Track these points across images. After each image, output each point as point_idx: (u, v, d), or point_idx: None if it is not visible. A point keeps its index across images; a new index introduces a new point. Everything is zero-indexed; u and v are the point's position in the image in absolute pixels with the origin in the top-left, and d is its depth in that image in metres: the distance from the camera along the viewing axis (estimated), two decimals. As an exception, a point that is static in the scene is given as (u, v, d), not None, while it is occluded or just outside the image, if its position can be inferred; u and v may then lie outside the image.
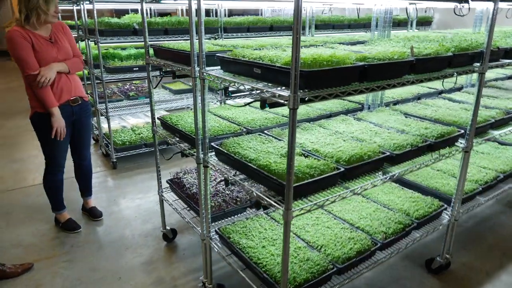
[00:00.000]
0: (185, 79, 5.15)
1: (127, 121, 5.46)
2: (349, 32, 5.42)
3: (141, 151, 4.57)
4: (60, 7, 5.23)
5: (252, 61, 1.64)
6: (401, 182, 2.78)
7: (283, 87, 1.48)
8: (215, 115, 2.65)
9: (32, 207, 3.56)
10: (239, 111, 2.70)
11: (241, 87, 1.61)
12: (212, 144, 2.04)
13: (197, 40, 1.87)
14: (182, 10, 8.00)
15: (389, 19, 2.68)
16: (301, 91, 1.41)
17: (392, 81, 1.68)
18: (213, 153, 2.08)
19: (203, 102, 1.94)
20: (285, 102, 1.37)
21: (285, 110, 2.72)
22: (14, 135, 5.60)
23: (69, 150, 3.06)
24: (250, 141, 2.04)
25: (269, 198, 1.63)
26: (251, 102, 1.77)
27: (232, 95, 1.76)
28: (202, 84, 1.92)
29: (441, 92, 3.52)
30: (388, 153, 1.93)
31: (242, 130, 2.32)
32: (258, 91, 1.51)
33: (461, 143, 2.35)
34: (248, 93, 1.97)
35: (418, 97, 3.37)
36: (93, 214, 3.36)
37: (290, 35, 4.10)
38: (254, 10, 8.81)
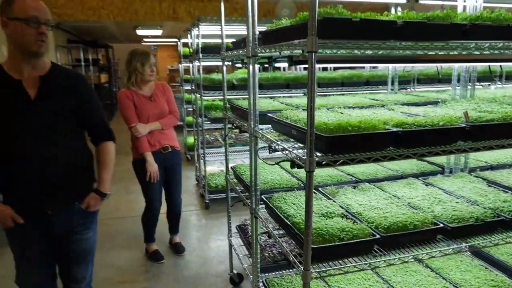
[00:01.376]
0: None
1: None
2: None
3: (231, 195, 4.88)
4: (185, 64, 6.15)
5: (290, 123, 1.74)
6: (484, 258, 2.42)
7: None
8: (281, 167, 2.76)
9: (133, 234, 4.10)
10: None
11: (277, 146, 1.72)
12: (262, 196, 2.15)
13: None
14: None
15: (472, 77, 2.49)
16: (320, 153, 1.46)
17: (435, 149, 1.58)
18: (264, 205, 2.19)
19: (255, 156, 2.10)
20: (302, 164, 1.43)
21: (350, 168, 2.70)
22: (136, 170, 6.55)
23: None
24: (298, 197, 2.09)
25: (295, 257, 1.65)
26: (281, 162, 1.86)
27: (275, 152, 1.86)
28: (254, 140, 2.09)
29: (556, 159, 3.00)
30: (442, 225, 1.76)
31: (300, 185, 2.38)
32: (286, 152, 1.60)
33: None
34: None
35: (522, 163, 2.94)
36: (176, 249, 3.70)
37: (384, 91, 4.05)
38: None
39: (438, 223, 1.78)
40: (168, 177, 3.40)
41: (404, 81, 4.77)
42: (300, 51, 1.51)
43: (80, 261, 1.98)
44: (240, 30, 4.45)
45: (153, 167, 3.13)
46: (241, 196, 2.50)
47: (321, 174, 2.57)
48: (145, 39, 12.65)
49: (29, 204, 1.79)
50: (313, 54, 1.31)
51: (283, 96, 4.17)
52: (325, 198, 2.11)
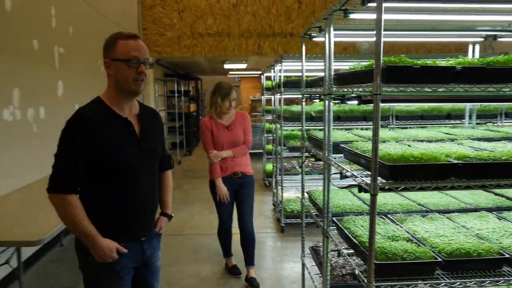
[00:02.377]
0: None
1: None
2: None
3: (306, 220, 5.09)
4: (267, 96, 6.64)
5: (359, 153, 1.99)
6: None
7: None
8: (354, 194, 2.95)
9: (214, 250, 4.51)
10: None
11: (347, 173, 1.98)
12: (333, 218, 2.38)
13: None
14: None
15: (553, 115, 2.48)
16: (384, 180, 1.68)
17: (496, 181, 1.70)
18: (335, 226, 2.41)
19: (328, 181, 2.36)
20: (367, 188, 1.67)
21: (422, 199, 2.79)
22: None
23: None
24: (366, 221, 2.28)
25: (361, 272, 1.85)
26: (350, 186, 2.08)
27: (346, 178, 2.10)
28: (327, 167, 2.35)
29: None
30: (508, 256, 1.83)
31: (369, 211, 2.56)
32: (354, 178, 1.84)
33: None
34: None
35: None
36: (250, 283, 3.69)
37: (463, 125, 4.04)
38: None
39: (504, 253, 1.85)
40: (239, 200, 3.67)
41: (490, 115, 4.67)
42: (368, 92, 1.77)
43: (157, 279, 2.10)
44: (319, 65, 4.79)
45: (221, 191, 3.50)
46: (315, 218, 2.75)
47: (392, 202, 2.71)
48: (230, 72, 13.69)
49: (126, 232, 1.85)
50: (378, 96, 1.57)
51: (360, 128, 4.36)
52: (393, 224, 2.27)
